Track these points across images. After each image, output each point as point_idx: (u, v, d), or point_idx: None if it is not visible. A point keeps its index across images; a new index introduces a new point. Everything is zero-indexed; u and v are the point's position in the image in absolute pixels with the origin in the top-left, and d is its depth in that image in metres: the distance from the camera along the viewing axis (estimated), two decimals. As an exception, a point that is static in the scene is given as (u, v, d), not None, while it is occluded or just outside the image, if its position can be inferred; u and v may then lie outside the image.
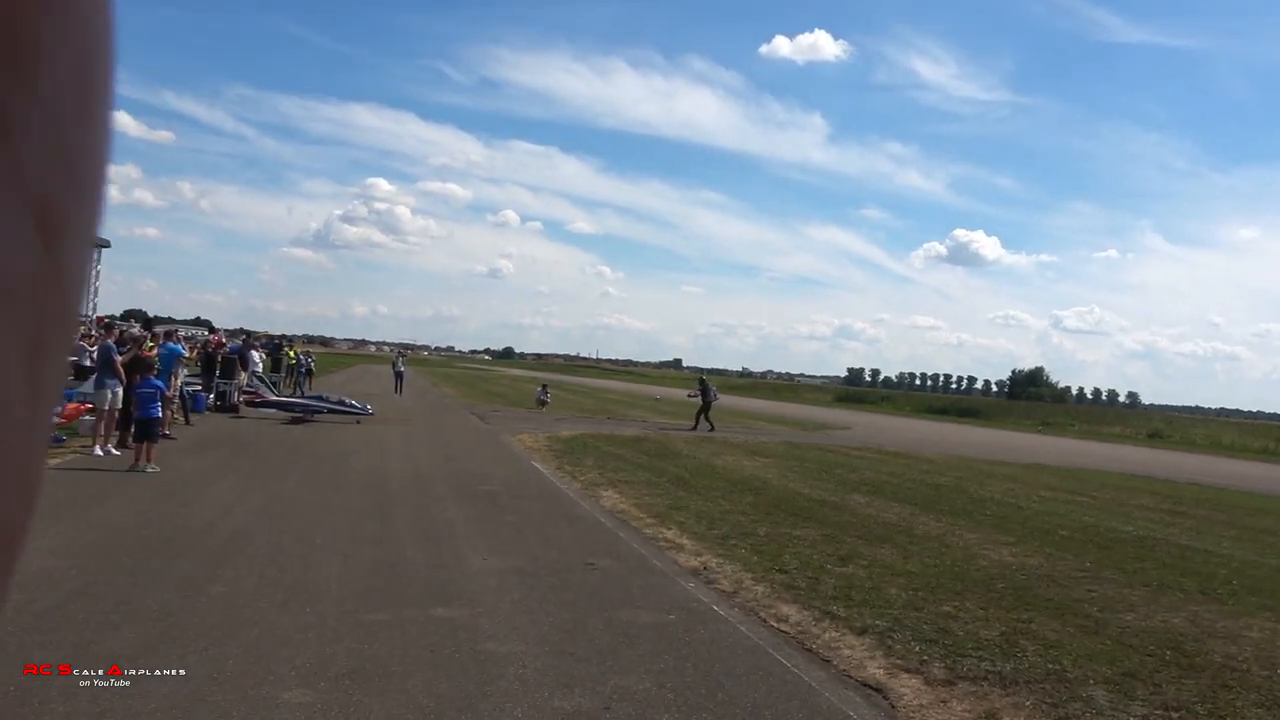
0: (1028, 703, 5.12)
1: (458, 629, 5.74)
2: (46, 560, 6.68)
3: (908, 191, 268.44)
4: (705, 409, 27.14)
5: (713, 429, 26.30)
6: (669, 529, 9.78)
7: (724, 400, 40.28)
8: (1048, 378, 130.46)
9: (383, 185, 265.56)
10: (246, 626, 5.47)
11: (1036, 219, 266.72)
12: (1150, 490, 19.37)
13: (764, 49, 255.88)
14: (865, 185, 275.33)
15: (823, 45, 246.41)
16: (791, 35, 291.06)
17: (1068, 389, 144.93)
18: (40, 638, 5.00)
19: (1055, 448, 35.47)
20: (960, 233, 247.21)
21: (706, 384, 28.21)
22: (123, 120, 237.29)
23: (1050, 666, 5.76)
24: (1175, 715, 5.08)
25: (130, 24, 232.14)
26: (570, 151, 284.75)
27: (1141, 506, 15.80)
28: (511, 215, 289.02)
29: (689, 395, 28.47)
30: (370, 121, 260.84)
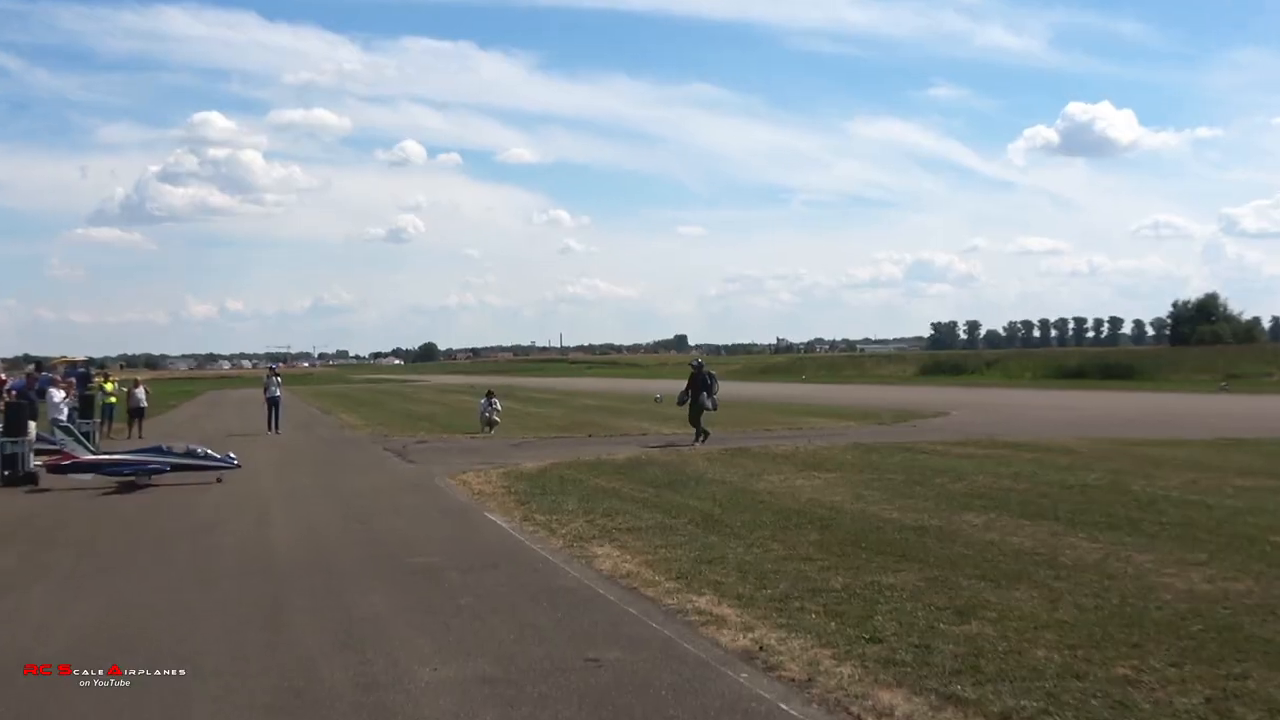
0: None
1: (408, 779, 5.75)
2: None
3: (992, 55, 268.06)
4: (697, 410, 26.74)
5: (706, 437, 26.03)
6: (701, 594, 9.82)
7: (754, 390, 40.13)
8: (1225, 308, 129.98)
9: (218, 121, 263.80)
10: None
11: (1186, 78, 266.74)
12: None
13: None
14: (929, 51, 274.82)
15: None
16: None
17: (1255, 321, 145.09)
18: None
19: (1247, 411, 35.71)
20: (1076, 108, 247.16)
21: (704, 371, 27.75)
22: None
23: (1286, 743, 5.81)
24: None
25: None
26: (491, 45, 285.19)
27: (1386, 487, 15.91)
28: (414, 147, 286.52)
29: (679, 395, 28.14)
30: (190, 29, 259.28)
